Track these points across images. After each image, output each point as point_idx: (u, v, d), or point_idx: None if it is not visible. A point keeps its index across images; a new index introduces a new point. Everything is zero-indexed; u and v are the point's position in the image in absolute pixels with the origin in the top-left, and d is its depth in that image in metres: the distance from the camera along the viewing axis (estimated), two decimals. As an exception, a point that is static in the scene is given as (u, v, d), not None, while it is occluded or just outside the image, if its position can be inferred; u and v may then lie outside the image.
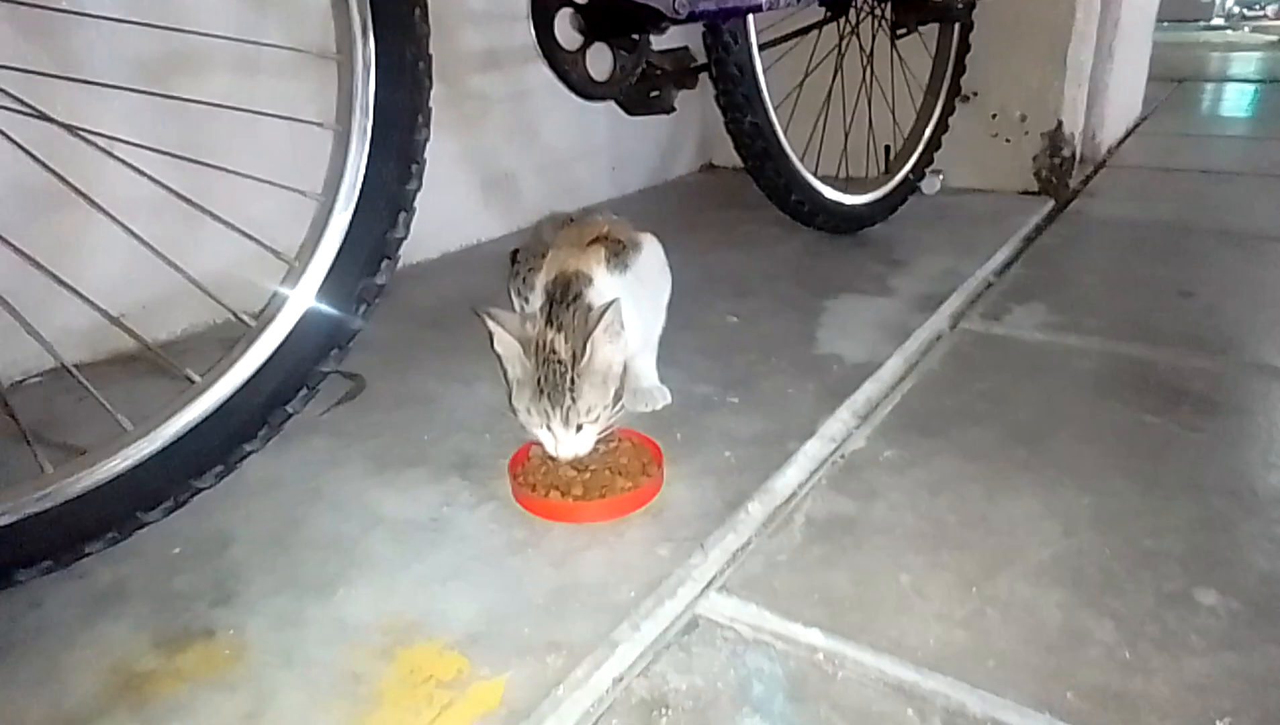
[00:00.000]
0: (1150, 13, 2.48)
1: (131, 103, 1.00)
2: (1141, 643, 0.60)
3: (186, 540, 0.72)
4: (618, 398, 0.77)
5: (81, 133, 0.72)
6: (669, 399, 0.92)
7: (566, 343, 0.73)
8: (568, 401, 0.73)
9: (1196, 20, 7.74)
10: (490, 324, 0.75)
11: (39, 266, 0.70)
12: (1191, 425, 0.89)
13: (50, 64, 0.97)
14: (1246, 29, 7.22)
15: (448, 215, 1.50)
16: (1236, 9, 8.37)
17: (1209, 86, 3.77)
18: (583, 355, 0.72)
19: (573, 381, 0.73)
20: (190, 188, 0.79)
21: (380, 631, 0.61)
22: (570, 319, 0.74)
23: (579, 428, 0.74)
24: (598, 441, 0.77)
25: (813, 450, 0.85)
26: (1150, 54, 2.62)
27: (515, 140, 1.62)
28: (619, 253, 0.83)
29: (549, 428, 0.74)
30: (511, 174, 1.62)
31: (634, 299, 0.83)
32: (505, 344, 0.76)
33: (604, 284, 0.80)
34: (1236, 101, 3.40)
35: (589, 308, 0.75)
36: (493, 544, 0.71)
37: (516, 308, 0.88)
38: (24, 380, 1.01)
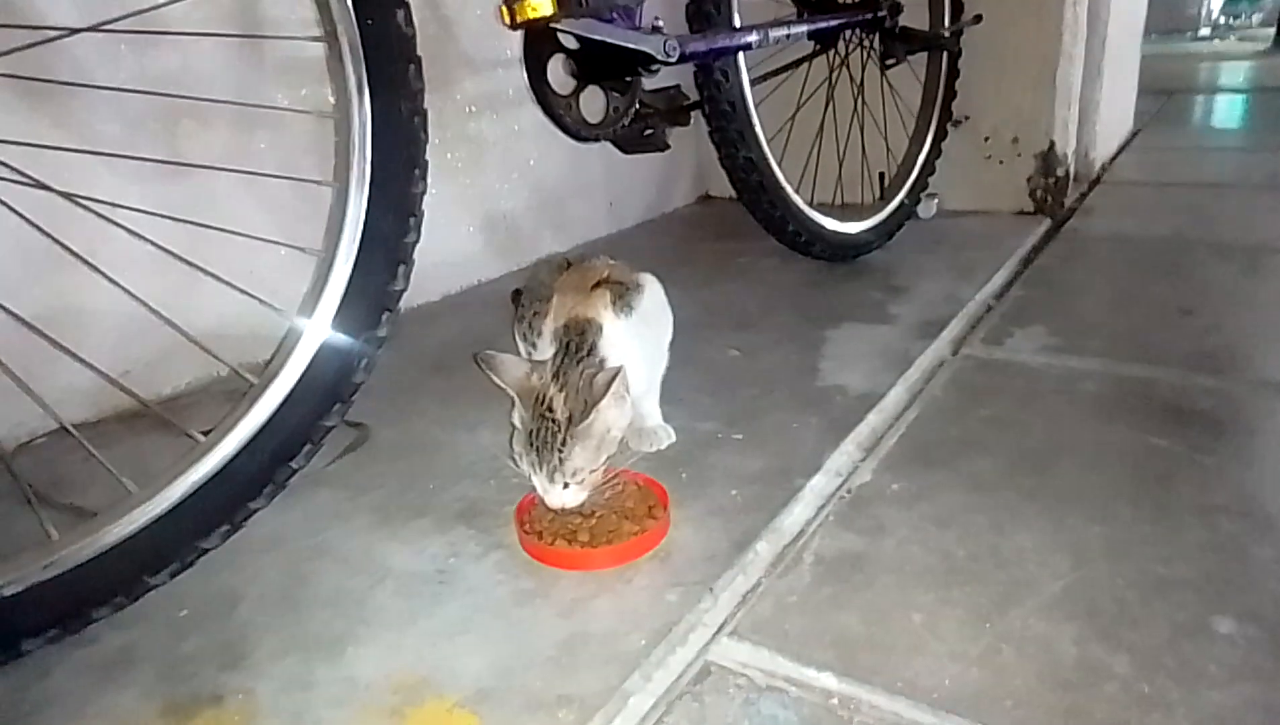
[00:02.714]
0: (1137, 28, 2.50)
1: (132, 162, 1.02)
2: (1159, 676, 0.59)
3: (193, 601, 0.72)
4: (623, 446, 0.77)
5: (80, 200, 0.73)
6: (673, 438, 0.92)
7: (565, 403, 0.73)
8: (555, 461, 0.72)
9: (1183, 31, 7.83)
10: (490, 373, 0.76)
11: (35, 330, 0.70)
12: (1199, 447, 0.88)
13: (50, 127, 0.98)
14: (1233, 38, 7.30)
15: (448, 257, 1.51)
16: (1222, 19, 8.47)
17: (1199, 98, 3.81)
18: (581, 420, 0.72)
19: (564, 442, 0.72)
20: (191, 244, 0.80)
21: (390, 690, 0.61)
22: (576, 377, 0.74)
23: (565, 485, 0.73)
24: (603, 486, 0.77)
25: (819, 486, 0.85)
26: (1139, 67, 2.64)
27: (512, 181, 1.63)
28: (623, 295, 0.84)
29: (538, 478, 0.74)
30: (509, 214, 1.63)
31: (639, 341, 0.83)
32: (507, 389, 0.76)
33: (613, 330, 0.80)
34: (1227, 112, 3.42)
35: (596, 368, 0.75)
36: (500, 595, 0.70)
37: (523, 352, 0.88)
38: (30, 441, 1.01)
